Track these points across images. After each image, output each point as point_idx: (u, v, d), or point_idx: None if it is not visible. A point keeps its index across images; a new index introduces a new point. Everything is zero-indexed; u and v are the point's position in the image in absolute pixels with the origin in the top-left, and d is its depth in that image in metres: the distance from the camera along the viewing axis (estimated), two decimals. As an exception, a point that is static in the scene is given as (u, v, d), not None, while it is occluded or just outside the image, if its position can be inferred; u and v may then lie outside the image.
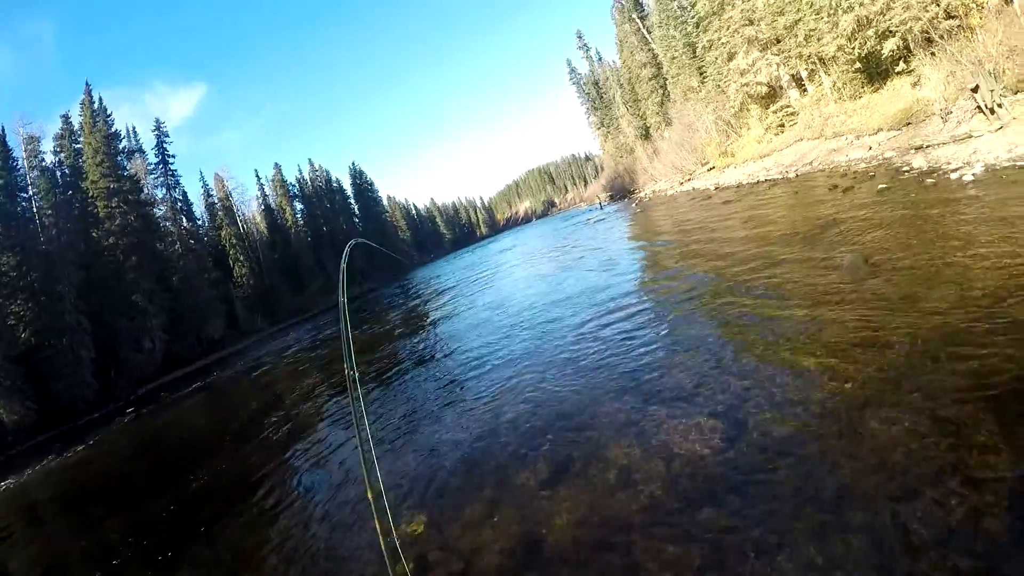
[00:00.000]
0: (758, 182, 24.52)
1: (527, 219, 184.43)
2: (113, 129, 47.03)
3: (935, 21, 17.12)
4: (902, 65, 19.81)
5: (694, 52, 41.48)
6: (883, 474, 3.32)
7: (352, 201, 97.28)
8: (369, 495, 2.34)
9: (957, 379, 3.94)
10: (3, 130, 38.40)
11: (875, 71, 21.99)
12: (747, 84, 31.49)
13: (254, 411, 14.58)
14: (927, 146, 14.78)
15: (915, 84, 18.72)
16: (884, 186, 12.20)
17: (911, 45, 18.63)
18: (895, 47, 18.94)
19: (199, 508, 7.80)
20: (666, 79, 51.73)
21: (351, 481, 6.50)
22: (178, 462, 11.77)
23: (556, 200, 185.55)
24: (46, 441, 26.10)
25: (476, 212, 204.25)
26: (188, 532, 6.96)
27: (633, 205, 42.99)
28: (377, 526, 2.34)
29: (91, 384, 33.77)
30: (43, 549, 9.46)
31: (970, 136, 13.21)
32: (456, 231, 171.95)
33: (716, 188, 29.52)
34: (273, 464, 8.65)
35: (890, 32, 18.62)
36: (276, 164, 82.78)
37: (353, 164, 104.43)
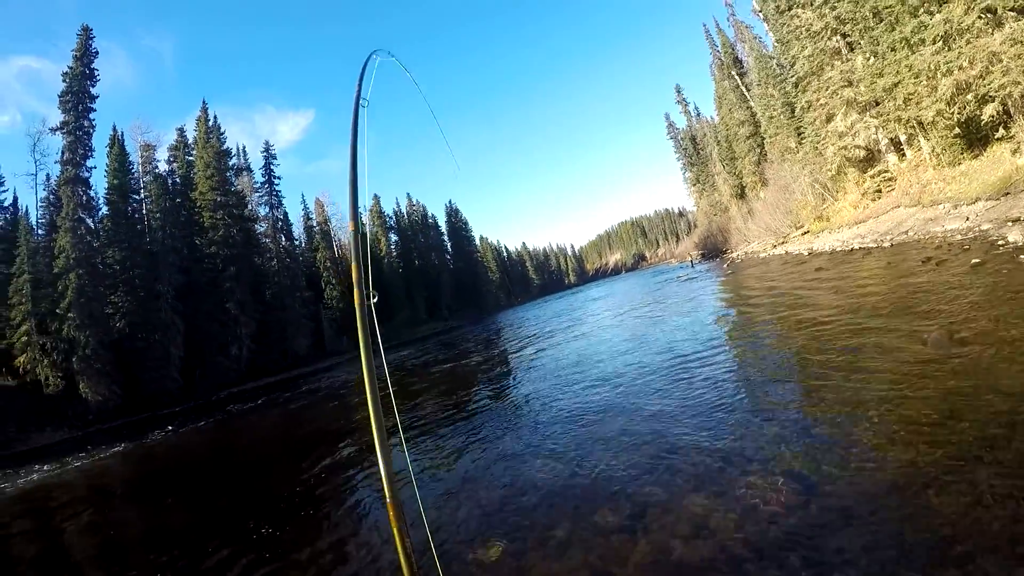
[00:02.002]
0: (852, 250, 23.85)
1: (616, 271, 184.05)
2: (225, 146, 50.15)
3: (1035, 86, 16.46)
4: (1002, 131, 19.06)
5: (792, 112, 40.94)
6: (946, 548, 3.35)
7: (445, 238, 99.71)
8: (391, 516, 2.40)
9: None
10: (122, 135, 41.86)
11: (975, 137, 21.23)
12: (845, 147, 30.81)
13: (322, 429, 15.12)
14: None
15: (1015, 151, 18.04)
16: (978, 260, 11.75)
17: (1011, 110, 17.99)
18: (994, 112, 18.30)
19: (250, 512, 8.04)
20: (763, 138, 51.14)
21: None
22: (241, 469, 12.28)
23: (647, 254, 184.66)
24: (124, 425, 27.63)
25: (566, 259, 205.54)
26: (234, 533, 7.27)
27: (724, 266, 42.27)
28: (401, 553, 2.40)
29: (176, 380, 35.76)
30: (99, 527, 9.98)
31: (1070, 208, 12.68)
32: (545, 277, 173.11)
33: (809, 253, 28.82)
34: (329, 483, 8.87)
35: (990, 97, 18.03)
36: (375, 195, 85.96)
37: (450, 202, 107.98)
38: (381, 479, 2.40)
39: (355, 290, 2.84)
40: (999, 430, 4.42)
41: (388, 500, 2.27)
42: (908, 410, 5.33)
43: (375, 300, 2.78)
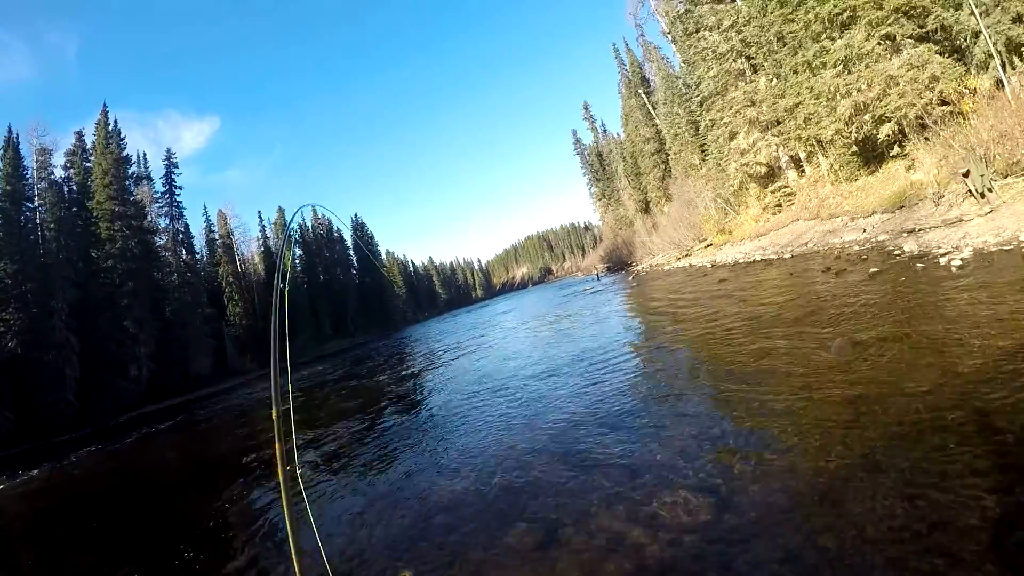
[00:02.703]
0: (754, 261, 24.76)
1: (523, 284, 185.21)
2: (124, 153, 47.88)
3: (929, 107, 17.84)
4: (897, 149, 20.44)
5: (697, 130, 42.41)
6: (861, 552, 3.42)
7: (351, 252, 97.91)
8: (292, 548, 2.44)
9: (935, 462, 4.08)
10: (17, 137, 39.13)
11: (871, 154, 22.60)
12: (747, 164, 32.15)
13: (226, 454, 14.52)
14: (919, 229, 15.17)
15: (909, 168, 19.32)
16: (876, 270, 12.43)
17: (906, 130, 19.25)
18: (891, 132, 19.60)
19: (152, 545, 7.74)
20: (668, 155, 52.82)
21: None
22: (144, 500, 11.53)
23: (553, 268, 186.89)
24: (18, 455, 25.63)
25: (473, 274, 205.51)
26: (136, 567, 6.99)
27: (630, 278, 43.12)
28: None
29: (72, 404, 33.47)
30: None
31: (960, 220, 13.64)
32: (452, 291, 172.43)
33: (713, 265, 29.79)
34: (234, 509, 8.64)
35: (886, 117, 19.31)
36: (280, 207, 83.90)
37: (356, 216, 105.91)
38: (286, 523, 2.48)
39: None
40: (905, 431, 4.65)
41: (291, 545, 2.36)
42: (816, 416, 5.53)
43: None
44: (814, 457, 4.73)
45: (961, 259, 10.63)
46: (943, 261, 10.98)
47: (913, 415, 4.87)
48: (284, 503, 2.35)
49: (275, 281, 3.23)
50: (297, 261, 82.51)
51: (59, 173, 43.22)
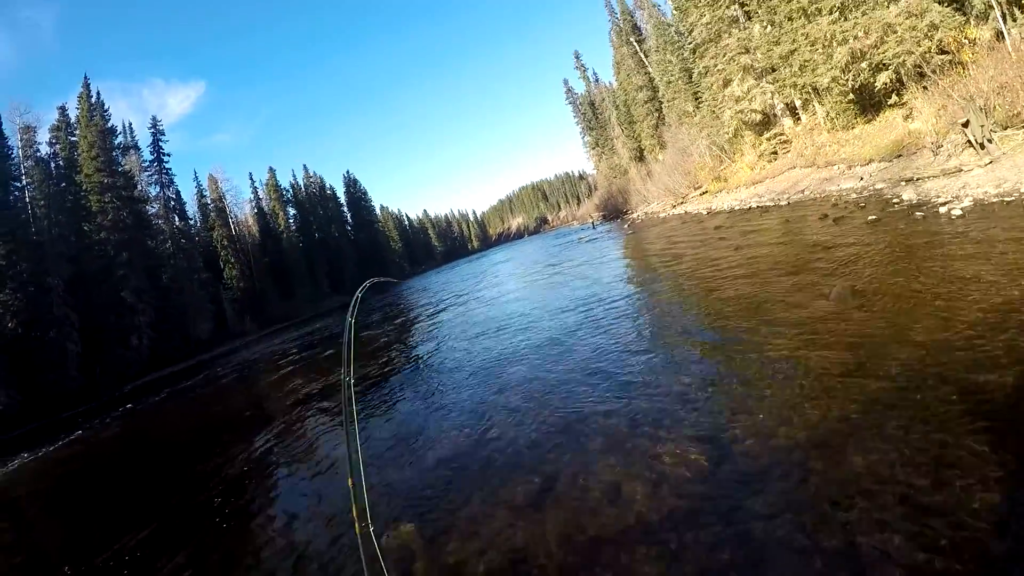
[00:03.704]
0: (750, 208, 24.75)
1: (519, 235, 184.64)
2: (109, 124, 46.95)
3: (928, 56, 17.54)
4: (895, 98, 20.19)
5: (690, 77, 42.00)
6: (862, 502, 3.40)
7: (345, 209, 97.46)
8: (353, 507, 2.47)
9: (937, 411, 4.06)
10: (0, 118, 38.20)
11: (868, 103, 22.33)
12: (741, 111, 31.81)
13: (238, 414, 14.66)
14: (917, 179, 15.05)
15: (907, 117, 19.09)
16: (874, 217, 12.39)
17: (904, 78, 19.00)
18: (888, 80, 19.33)
19: (177, 508, 7.82)
20: (662, 103, 52.20)
21: (334, 488, 6.58)
22: (157, 467, 11.63)
23: (549, 217, 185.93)
24: (27, 433, 25.80)
25: (469, 226, 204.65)
26: (166, 531, 7.03)
27: (625, 226, 43.14)
28: (357, 532, 2.49)
29: (76, 378, 33.55)
30: (16, 543, 9.49)
31: (960, 170, 13.49)
32: (448, 244, 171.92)
33: (708, 212, 29.79)
34: (256, 467, 8.70)
35: (884, 65, 19.01)
36: (271, 168, 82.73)
37: (348, 172, 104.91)
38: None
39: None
40: (904, 382, 4.62)
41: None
42: (815, 365, 5.50)
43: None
44: (813, 407, 4.73)
45: (961, 209, 10.56)
46: (943, 211, 10.93)
47: (913, 365, 4.86)
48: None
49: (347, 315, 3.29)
50: (292, 221, 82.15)
51: (45, 150, 42.35)
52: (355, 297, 3.61)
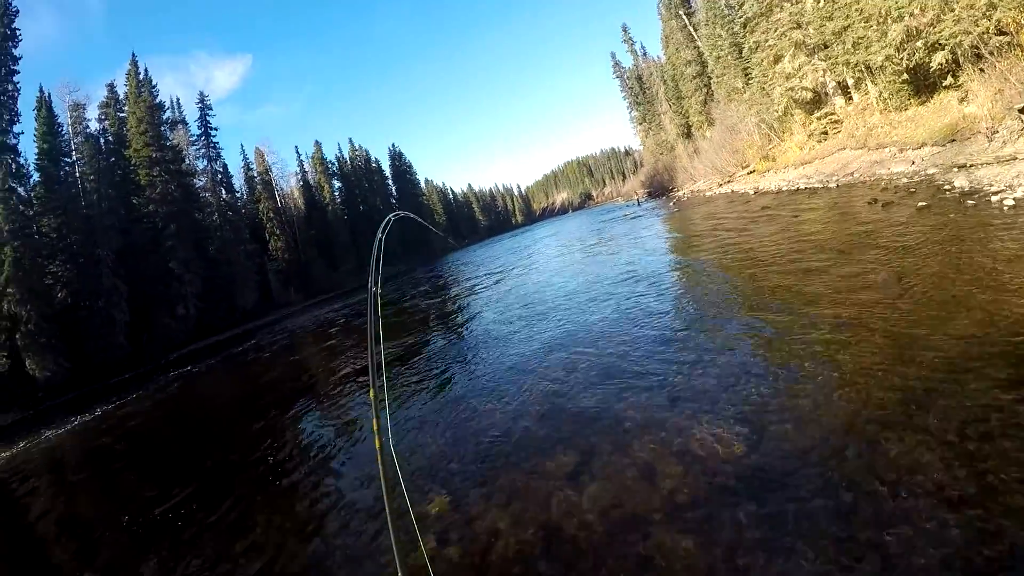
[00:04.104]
0: (798, 190, 24.21)
1: (563, 210, 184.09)
2: (157, 100, 47.78)
3: (985, 36, 16.72)
4: (950, 79, 19.30)
5: (740, 52, 40.91)
6: (895, 494, 3.38)
7: (390, 182, 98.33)
8: (383, 481, 2.42)
9: (978, 404, 3.99)
10: (49, 96, 39.43)
11: (922, 83, 21.49)
12: (792, 88, 30.96)
13: (279, 384, 14.93)
14: (970, 165, 14.54)
15: (962, 100, 18.34)
16: (924, 204, 12.01)
17: (960, 59, 18.20)
18: (944, 60, 18.51)
19: (216, 478, 8.00)
20: (710, 78, 51.01)
21: (371, 462, 6.57)
22: (202, 430, 12.21)
23: (593, 193, 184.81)
24: (76, 399, 26.82)
25: (513, 200, 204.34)
26: (203, 502, 7.13)
27: (671, 204, 42.62)
28: (388, 510, 2.42)
29: (124, 346, 34.70)
30: (63, 507, 9.81)
31: (1015, 158, 12.98)
32: (492, 218, 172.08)
33: (755, 192, 29.18)
34: (294, 439, 8.85)
35: (940, 45, 18.21)
36: (316, 141, 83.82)
37: (393, 145, 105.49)
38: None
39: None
40: (948, 374, 4.53)
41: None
42: (857, 352, 5.42)
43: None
44: (853, 395, 4.69)
45: (1014, 199, 10.18)
46: (995, 200, 10.56)
47: (957, 357, 4.78)
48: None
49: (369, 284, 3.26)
50: (337, 194, 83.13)
51: (94, 126, 43.40)
52: (386, 222, 3.44)
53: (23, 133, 35.86)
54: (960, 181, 13.19)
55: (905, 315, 6.01)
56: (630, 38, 77.28)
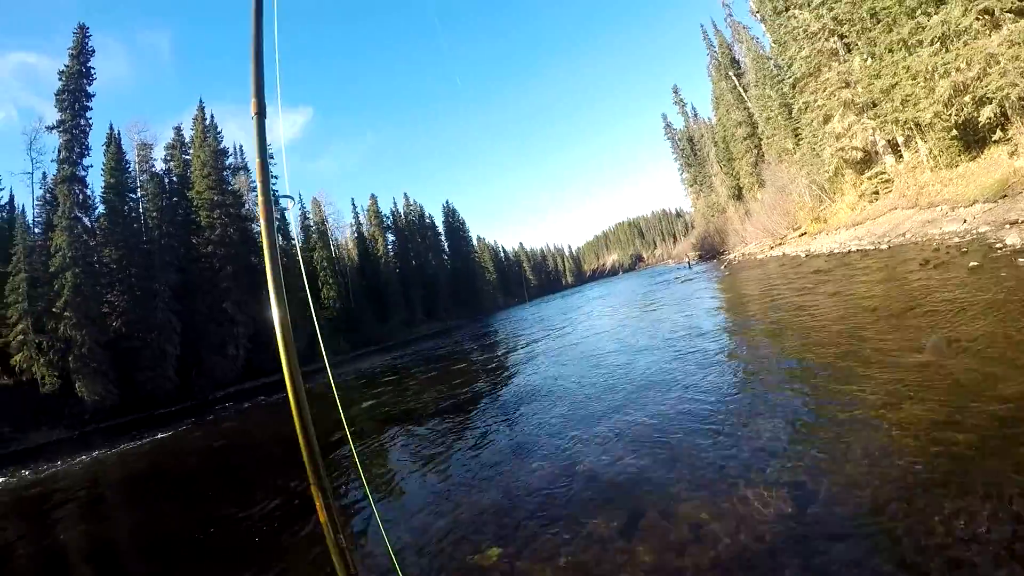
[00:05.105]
0: (849, 252, 23.89)
1: (613, 271, 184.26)
2: (222, 145, 49.93)
3: (1032, 88, 16.47)
4: (999, 133, 19.04)
5: (790, 113, 40.89)
6: (944, 559, 3.33)
7: (443, 238, 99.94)
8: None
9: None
10: (119, 134, 42.06)
11: (972, 139, 21.17)
12: (842, 148, 30.76)
13: (317, 431, 15.08)
14: (1022, 221, 14.30)
15: (1012, 153, 18.04)
16: (975, 264, 11.77)
17: (1008, 112, 17.96)
18: (992, 114, 18.26)
19: (243, 520, 7.91)
20: (761, 139, 51.24)
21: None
22: (242, 470, 12.33)
23: (644, 255, 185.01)
24: (121, 425, 27.59)
25: (563, 260, 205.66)
26: (229, 542, 7.23)
27: (722, 267, 42.23)
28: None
29: (172, 379, 35.73)
30: (92, 526, 10.01)
31: (1066, 211, 12.72)
32: (542, 277, 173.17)
33: (807, 255, 28.82)
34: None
35: (987, 99, 17.98)
36: (372, 195, 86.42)
37: (447, 202, 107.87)
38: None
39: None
40: (997, 439, 4.42)
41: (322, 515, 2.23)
42: (905, 417, 5.31)
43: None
44: (901, 460, 4.60)
45: None
46: None
47: (1008, 423, 4.65)
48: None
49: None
50: (390, 247, 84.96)
51: (159, 166, 45.87)
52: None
53: (92, 167, 38.24)
54: (1012, 238, 12.96)
55: (954, 378, 5.93)
56: (681, 99, 78.46)
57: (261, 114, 2.77)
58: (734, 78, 56.64)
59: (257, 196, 2.57)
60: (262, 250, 2.48)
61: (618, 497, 5.41)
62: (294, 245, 65.50)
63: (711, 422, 6.73)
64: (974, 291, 9.54)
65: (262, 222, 2.58)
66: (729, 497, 4.77)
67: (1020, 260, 10.83)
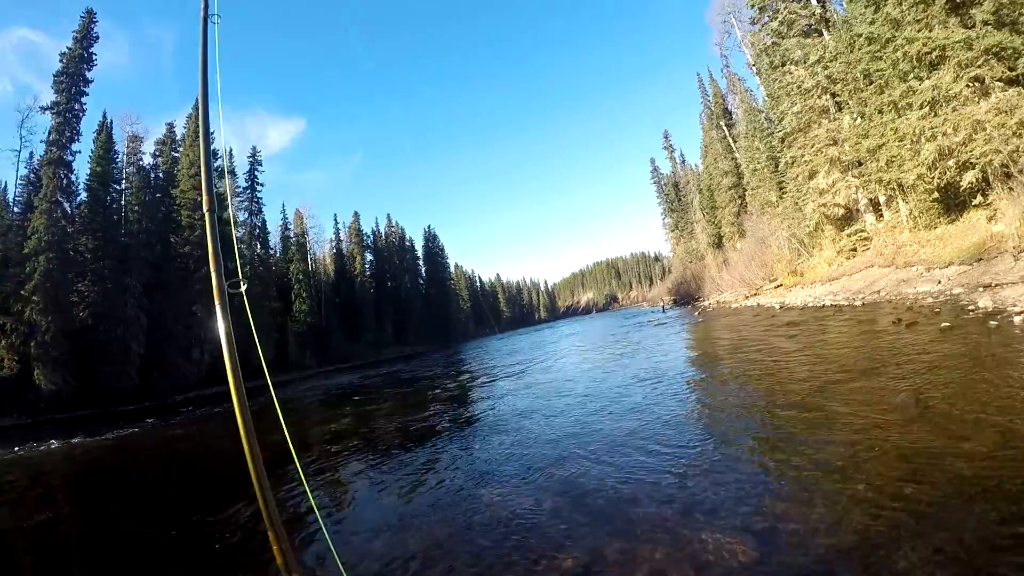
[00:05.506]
0: (823, 306, 24.20)
1: (587, 310, 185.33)
2: (212, 147, 49.29)
3: (1015, 155, 16.96)
4: (980, 198, 19.42)
5: (776, 166, 41.61)
6: None
7: (421, 262, 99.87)
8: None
9: (987, 530, 3.98)
10: (111, 123, 41.81)
11: (952, 202, 21.64)
12: (825, 204, 31.29)
13: (274, 446, 14.71)
14: (996, 284, 14.57)
15: (991, 218, 18.45)
16: (947, 324, 12.01)
17: (990, 178, 18.38)
18: (974, 179, 18.62)
19: (182, 528, 7.70)
20: (745, 190, 52.09)
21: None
22: (194, 478, 11.91)
23: (619, 295, 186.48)
24: (76, 418, 26.95)
25: (539, 294, 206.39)
26: (165, 549, 6.97)
27: (696, 313, 42.53)
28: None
29: (133, 378, 35.07)
30: (27, 521, 9.60)
31: (1041, 278, 12.98)
32: (516, 310, 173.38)
33: (781, 307, 29.13)
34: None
35: (971, 164, 18.38)
36: (355, 212, 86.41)
37: (428, 227, 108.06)
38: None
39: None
40: (961, 496, 4.51)
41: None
42: (871, 471, 5.40)
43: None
44: (864, 512, 4.64)
45: None
46: (1017, 320, 10.58)
47: (971, 480, 4.76)
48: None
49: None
50: (368, 266, 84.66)
51: (148, 160, 45.70)
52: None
53: (80, 153, 38.02)
54: (984, 301, 13.24)
55: (921, 435, 6.05)
56: (670, 145, 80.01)
57: (212, 210, 2.97)
58: (725, 128, 57.74)
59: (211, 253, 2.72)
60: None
61: (580, 535, 5.36)
62: (273, 254, 65.37)
63: (677, 467, 6.72)
64: (945, 352, 9.77)
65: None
66: (691, 543, 4.76)
67: (992, 323, 11.09)
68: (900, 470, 5.25)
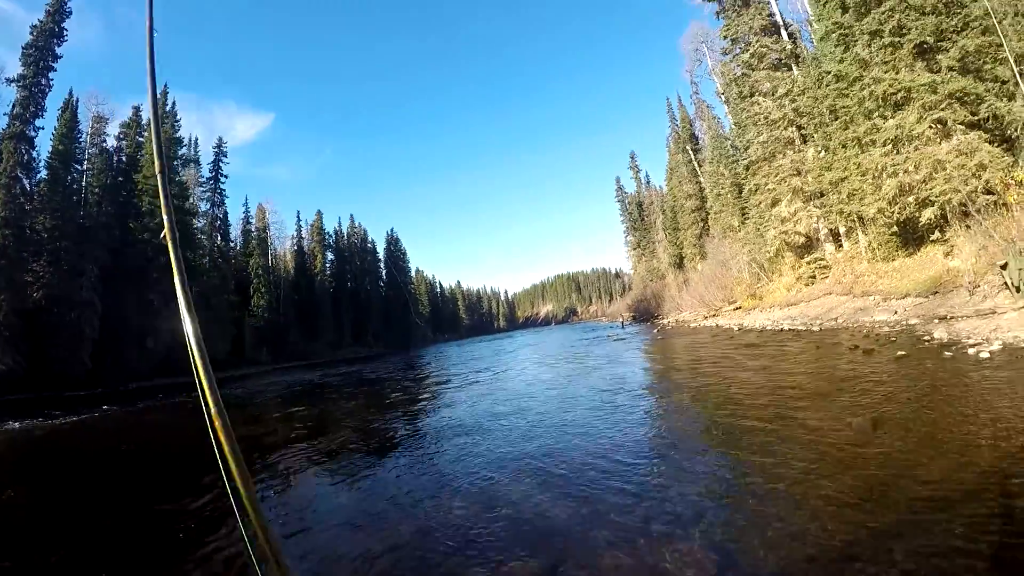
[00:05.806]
0: (781, 330, 24.46)
1: (547, 321, 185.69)
2: (177, 134, 49.14)
3: (973, 195, 17.56)
4: (937, 234, 20.06)
5: (740, 192, 42.40)
6: None
7: (382, 265, 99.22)
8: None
9: (938, 549, 4.10)
10: (76, 102, 40.87)
11: (911, 236, 22.24)
12: (786, 232, 31.86)
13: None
14: (951, 317, 14.93)
15: (947, 254, 19.03)
16: (903, 353, 12.24)
17: (948, 216, 18.98)
18: (933, 216, 19.25)
19: (127, 518, 7.66)
20: (708, 213, 52.87)
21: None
22: (134, 467, 11.75)
23: (579, 309, 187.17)
24: (22, 401, 26.14)
25: (499, 304, 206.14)
26: (102, 538, 6.94)
27: (655, 331, 42.74)
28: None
29: (85, 363, 34.14)
30: None
31: (994, 312, 13.34)
32: (475, 318, 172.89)
33: (739, 329, 29.45)
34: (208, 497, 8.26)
35: (930, 201, 18.98)
36: (319, 211, 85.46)
37: (391, 231, 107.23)
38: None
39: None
40: (913, 516, 4.65)
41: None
42: (828, 490, 5.51)
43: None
44: (823, 528, 4.75)
45: (990, 351, 10.41)
46: (971, 352, 10.80)
47: (923, 501, 4.89)
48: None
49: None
50: (328, 265, 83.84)
51: (111, 142, 44.86)
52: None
53: (43, 129, 37.11)
54: (939, 332, 13.49)
55: (877, 458, 6.17)
56: (636, 165, 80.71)
57: (164, 172, 2.88)
58: (691, 152, 58.65)
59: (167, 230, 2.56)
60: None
61: (538, 543, 5.37)
62: (234, 247, 64.32)
63: (635, 481, 6.76)
64: (900, 379, 9.97)
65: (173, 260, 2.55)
66: (650, 554, 4.82)
67: (946, 353, 11.26)
68: (857, 491, 5.35)
